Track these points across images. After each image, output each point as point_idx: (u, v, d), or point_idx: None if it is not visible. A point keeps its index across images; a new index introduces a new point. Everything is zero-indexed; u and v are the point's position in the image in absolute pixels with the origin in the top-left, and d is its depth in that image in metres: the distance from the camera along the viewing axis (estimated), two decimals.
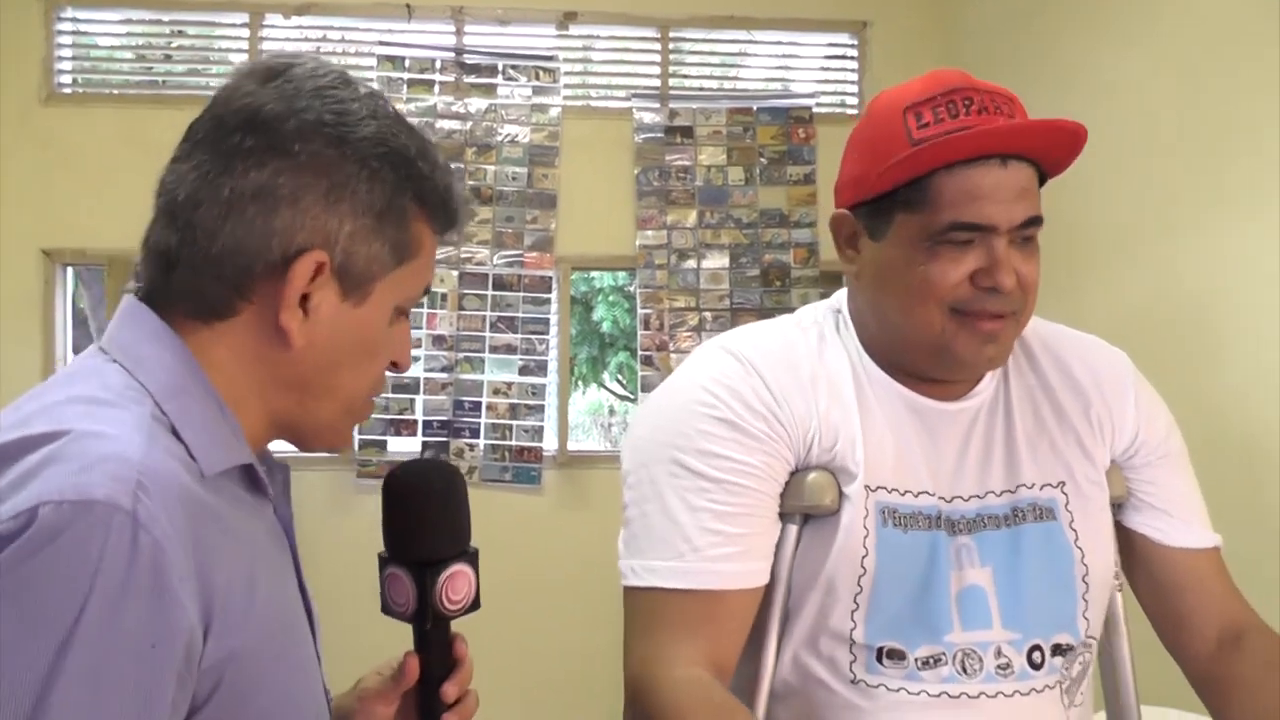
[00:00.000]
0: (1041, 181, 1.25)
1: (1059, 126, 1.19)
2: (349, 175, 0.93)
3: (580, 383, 9.86)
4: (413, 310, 1.08)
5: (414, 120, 1.05)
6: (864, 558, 1.26)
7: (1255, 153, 2.74)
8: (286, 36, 4.35)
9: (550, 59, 4.39)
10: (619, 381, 9.96)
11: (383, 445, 4.20)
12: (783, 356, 1.31)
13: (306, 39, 4.38)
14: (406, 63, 4.31)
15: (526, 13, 4.39)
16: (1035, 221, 1.22)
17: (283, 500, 1.02)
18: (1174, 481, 1.38)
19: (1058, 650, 1.28)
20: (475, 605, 1.04)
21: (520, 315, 4.29)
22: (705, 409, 1.26)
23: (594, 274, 8.06)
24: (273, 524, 0.99)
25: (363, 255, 0.94)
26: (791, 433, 1.27)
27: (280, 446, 1.03)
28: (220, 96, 0.94)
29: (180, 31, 4.41)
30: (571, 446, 4.50)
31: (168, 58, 4.43)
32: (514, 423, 4.25)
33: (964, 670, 1.25)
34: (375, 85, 0.97)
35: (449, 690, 1.04)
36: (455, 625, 1.05)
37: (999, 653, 1.26)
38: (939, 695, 1.25)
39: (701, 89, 4.57)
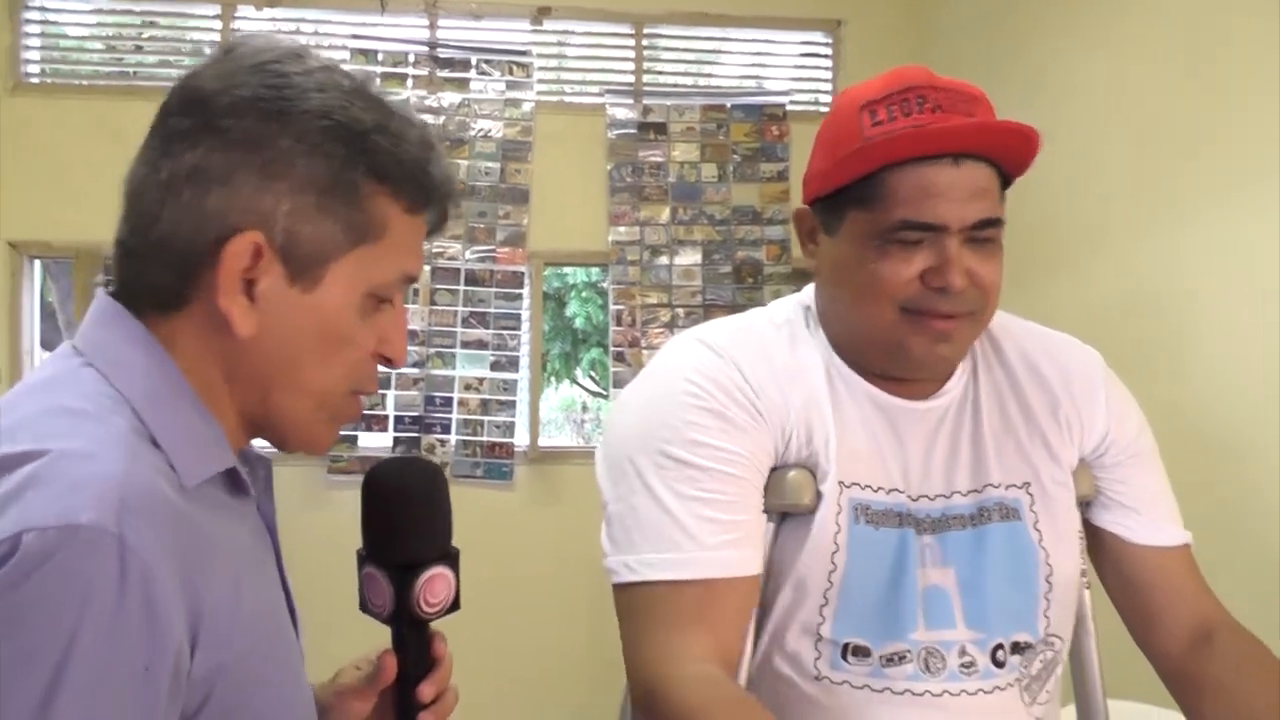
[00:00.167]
0: (1008, 183, 1.25)
1: (1007, 128, 1.18)
2: (285, 151, 0.88)
3: (554, 379, 9.84)
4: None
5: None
6: (834, 554, 1.25)
7: (1213, 154, 2.79)
8: (259, 29, 4.31)
9: (524, 54, 4.37)
10: (592, 378, 9.96)
11: (354, 441, 4.18)
12: (758, 350, 1.30)
13: (279, 31, 4.35)
14: (380, 56, 4.29)
15: (501, 7, 4.38)
16: (992, 223, 1.21)
17: (265, 497, 1.00)
18: (1144, 480, 1.38)
19: (1017, 648, 1.28)
20: (455, 607, 1.03)
21: (492, 311, 4.28)
22: (691, 399, 1.25)
23: (567, 270, 8.05)
24: (255, 523, 0.97)
25: (308, 235, 0.89)
26: (771, 423, 1.26)
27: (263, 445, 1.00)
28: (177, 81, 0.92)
29: (152, 22, 4.37)
30: (544, 442, 4.49)
31: (139, 48, 4.39)
32: (485, 418, 4.24)
33: (927, 668, 1.25)
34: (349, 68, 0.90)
35: (425, 691, 1.02)
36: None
37: (963, 651, 1.26)
38: (902, 693, 1.25)
39: (676, 86, 4.57)
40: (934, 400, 1.32)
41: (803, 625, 1.27)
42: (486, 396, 4.25)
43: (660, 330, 4.33)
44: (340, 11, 4.33)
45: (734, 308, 4.24)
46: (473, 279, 4.27)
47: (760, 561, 1.25)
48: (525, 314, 4.35)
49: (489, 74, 4.34)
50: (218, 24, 4.30)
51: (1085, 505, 1.38)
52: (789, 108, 4.51)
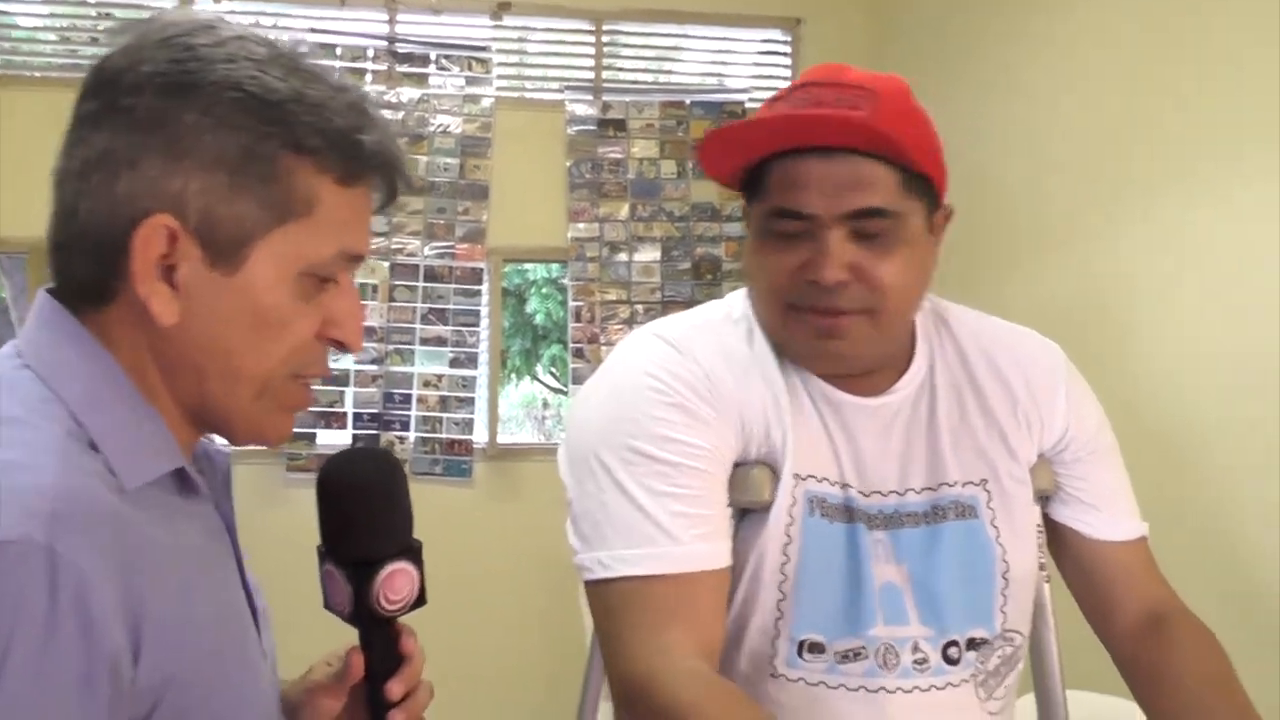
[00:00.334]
0: (929, 180, 1.23)
1: (831, 119, 1.18)
2: (190, 127, 0.82)
3: (514, 375, 9.81)
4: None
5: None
6: (787, 545, 1.25)
7: (1152, 155, 2.87)
8: None
9: (483, 50, 4.35)
10: (552, 374, 9.94)
11: (312, 439, 4.14)
12: (716, 345, 1.30)
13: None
14: (339, 51, 4.26)
15: (460, 3, 4.35)
16: (874, 213, 1.19)
17: (223, 495, 0.98)
18: (1104, 476, 1.39)
19: (972, 644, 1.29)
20: (421, 602, 1.00)
21: (451, 307, 4.26)
22: (655, 395, 1.25)
23: (528, 266, 8.03)
24: (211, 523, 0.94)
25: (224, 215, 0.84)
26: (731, 417, 1.26)
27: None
28: None
29: (107, 14, 4.30)
30: (504, 439, 4.47)
31: (94, 40, 4.33)
32: (444, 415, 4.22)
33: (884, 665, 1.26)
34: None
35: (393, 689, 0.99)
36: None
37: (916, 648, 1.27)
38: (857, 689, 1.25)
39: (635, 83, 4.57)
40: (886, 396, 1.32)
41: (760, 621, 1.27)
42: (446, 393, 4.23)
43: (619, 327, 4.33)
44: (299, 5, 4.28)
45: (693, 304, 4.21)
46: (432, 275, 4.25)
47: (729, 554, 1.25)
48: (484, 310, 4.33)
49: (448, 69, 4.32)
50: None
51: (1044, 500, 1.39)
52: (748, 105, 4.52)
